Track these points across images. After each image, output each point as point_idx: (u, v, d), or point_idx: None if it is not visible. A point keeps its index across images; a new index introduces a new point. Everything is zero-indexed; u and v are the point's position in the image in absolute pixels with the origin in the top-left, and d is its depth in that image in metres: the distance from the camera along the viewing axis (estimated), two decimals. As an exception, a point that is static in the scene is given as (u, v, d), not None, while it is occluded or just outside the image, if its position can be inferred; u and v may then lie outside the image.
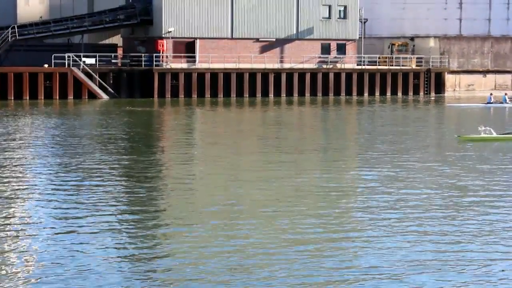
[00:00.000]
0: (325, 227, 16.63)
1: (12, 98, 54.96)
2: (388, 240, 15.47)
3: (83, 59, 57.77)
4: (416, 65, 68.20)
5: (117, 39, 67.01)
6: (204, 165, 26.02)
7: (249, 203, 19.03)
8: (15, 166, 24.79)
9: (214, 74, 60.36)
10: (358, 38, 66.78)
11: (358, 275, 13.21)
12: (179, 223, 16.95)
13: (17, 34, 58.82)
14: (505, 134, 33.19)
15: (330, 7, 65.35)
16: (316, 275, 13.18)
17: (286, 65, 63.68)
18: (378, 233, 16.06)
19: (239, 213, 17.87)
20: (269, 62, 63.11)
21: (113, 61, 60.25)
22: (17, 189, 20.71)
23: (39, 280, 12.78)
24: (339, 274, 13.24)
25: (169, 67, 60.27)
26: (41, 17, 66.33)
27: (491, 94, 57.39)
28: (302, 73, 62.93)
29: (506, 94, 56.24)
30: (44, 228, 16.29)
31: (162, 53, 60.36)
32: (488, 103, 54.73)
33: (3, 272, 13.18)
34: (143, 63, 59.85)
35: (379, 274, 13.25)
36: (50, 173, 23.43)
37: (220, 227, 16.41)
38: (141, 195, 20.05)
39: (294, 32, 64.52)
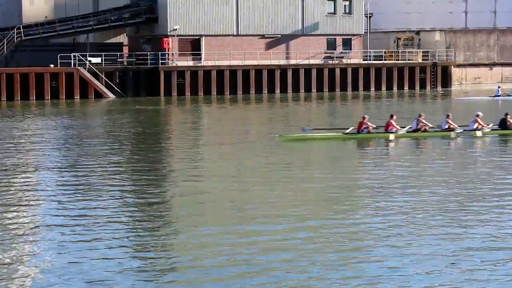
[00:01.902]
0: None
1: (19, 98, 54.95)
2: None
3: (89, 58, 57.75)
4: (422, 59, 68.04)
5: (122, 38, 67.00)
6: (216, 164, 25.93)
7: (258, 202, 18.93)
8: (25, 167, 24.72)
9: (220, 71, 60.28)
10: (363, 33, 66.63)
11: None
12: (188, 223, 16.86)
13: (22, 35, 58.80)
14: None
15: (335, 2, 65.20)
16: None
17: (292, 61, 63.58)
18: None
19: (248, 213, 17.76)
20: (275, 58, 63.01)
21: (118, 60, 60.23)
22: (27, 190, 20.67)
23: (44, 283, 12.76)
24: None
25: (175, 65, 60.21)
26: (46, 17, 66.32)
27: (499, 87, 57.17)
28: (308, 69, 62.81)
29: (513, 86, 56.10)
30: (52, 227, 16.24)
31: (168, 51, 60.31)
32: (496, 96, 54.56)
33: (9, 275, 13.13)
34: (148, 61, 59.81)
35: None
36: (63, 173, 23.36)
37: (230, 228, 16.23)
38: (154, 197, 19.97)
39: (300, 28, 64.39)
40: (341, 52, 65.30)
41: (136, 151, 28.87)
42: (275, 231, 15.86)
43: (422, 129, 31.90)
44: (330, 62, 64.44)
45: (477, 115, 32.58)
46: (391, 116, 32.18)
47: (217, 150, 29.07)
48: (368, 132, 31.47)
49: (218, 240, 15.12)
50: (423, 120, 32.09)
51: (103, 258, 13.97)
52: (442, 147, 29.75)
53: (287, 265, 13.40)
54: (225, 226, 16.38)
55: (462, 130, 31.99)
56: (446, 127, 32.00)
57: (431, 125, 32.21)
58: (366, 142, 30.69)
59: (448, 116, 32.48)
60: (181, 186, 21.37)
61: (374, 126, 31.98)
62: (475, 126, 32.18)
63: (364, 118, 31.95)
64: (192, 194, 20.09)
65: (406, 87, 65.19)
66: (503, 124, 32.57)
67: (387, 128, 31.67)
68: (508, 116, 32.68)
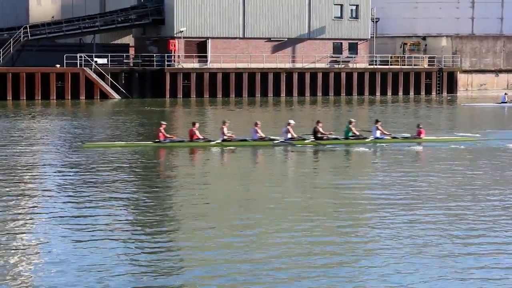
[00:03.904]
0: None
1: (24, 98, 55.01)
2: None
3: (95, 59, 57.78)
4: (428, 65, 67.99)
5: (128, 39, 67.05)
6: (223, 169, 25.90)
7: (263, 206, 18.91)
8: (29, 166, 24.70)
9: (225, 74, 60.29)
10: (370, 37, 66.62)
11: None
12: (191, 226, 16.85)
13: (29, 34, 58.85)
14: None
15: (342, 6, 65.23)
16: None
17: (298, 65, 63.57)
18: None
19: (253, 216, 17.73)
20: (281, 62, 63.00)
21: (125, 61, 60.27)
22: (30, 189, 20.67)
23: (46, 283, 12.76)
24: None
25: (181, 67, 60.22)
26: (53, 17, 66.37)
27: (505, 93, 57.06)
28: (313, 73, 62.80)
29: (520, 93, 55.91)
30: (54, 229, 16.23)
31: (174, 53, 60.32)
32: (502, 102, 54.46)
33: (11, 276, 13.11)
34: (154, 63, 59.84)
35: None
36: (66, 173, 23.35)
37: (233, 235, 16.17)
38: (159, 201, 19.97)
39: (306, 31, 64.40)
40: (347, 57, 65.28)
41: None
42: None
43: (228, 139, 29.16)
44: (336, 66, 64.41)
45: (289, 124, 29.74)
46: (193, 124, 29.47)
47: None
48: (229, 140, 29.23)
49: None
50: (225, 130, 29.18)
51: (103, 261, 13.97)
52: (244, 158, 27.53)
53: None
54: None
55: (279, 141, 29.26)
56: (257, 137, 29.32)
57: (234, 136, 29.38)
58: (178, 150, 28.52)
59: (256, 124, 29.49)
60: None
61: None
62: (289, 136, 29.41)
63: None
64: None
65: (411, 93, 65.14)
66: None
67: (191, 138, 29.15)
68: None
